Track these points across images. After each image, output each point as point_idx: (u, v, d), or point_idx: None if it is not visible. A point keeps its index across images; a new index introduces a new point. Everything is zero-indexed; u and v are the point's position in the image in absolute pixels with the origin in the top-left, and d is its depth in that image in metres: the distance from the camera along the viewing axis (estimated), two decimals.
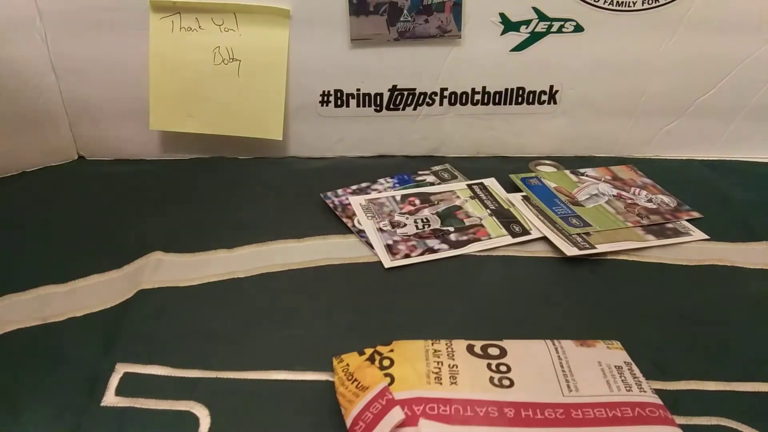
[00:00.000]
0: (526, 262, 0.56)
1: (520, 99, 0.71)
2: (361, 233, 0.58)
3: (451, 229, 0.59)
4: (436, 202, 0.63)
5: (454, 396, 0.38)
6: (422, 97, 0.71)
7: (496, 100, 0.71)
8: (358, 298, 0.51)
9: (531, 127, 0.73)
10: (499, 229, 0.59)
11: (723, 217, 0.62)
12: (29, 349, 0.45)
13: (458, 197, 0.64)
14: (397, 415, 0.35)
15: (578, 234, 0.58)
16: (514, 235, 0.58)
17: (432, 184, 0.68)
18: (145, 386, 0.42)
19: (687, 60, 0.68)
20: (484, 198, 0.64)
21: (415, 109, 0.72)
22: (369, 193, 0.65)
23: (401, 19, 0.66)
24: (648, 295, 0.51)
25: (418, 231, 0.59)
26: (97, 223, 0.61)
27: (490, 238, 0.58)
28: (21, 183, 0.69)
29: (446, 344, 0.42)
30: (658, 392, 0.39)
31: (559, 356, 0.42)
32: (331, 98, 0.71)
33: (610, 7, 0.66)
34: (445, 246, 0.56)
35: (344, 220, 0.61)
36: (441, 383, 0.39)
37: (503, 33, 0.67)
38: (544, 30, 0.67)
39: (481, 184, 0.67)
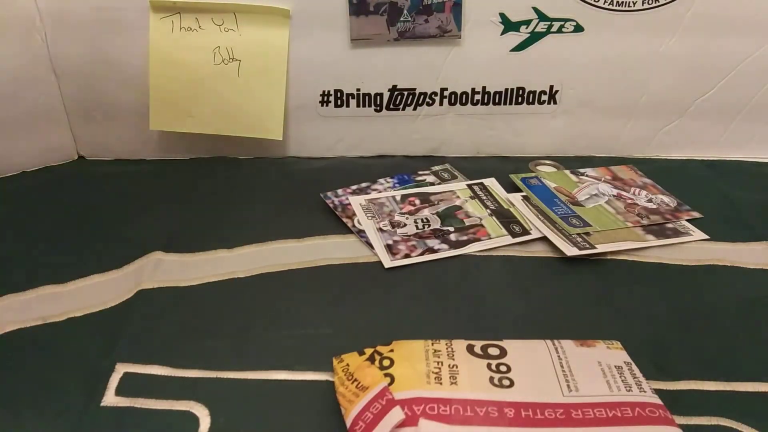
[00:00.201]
0: (526, 262, 0.56)
1: (520, 99, 0.71)
2: (361, 233, 0.58)
3: (451, 229, 0.59)
4: (436, 202, 0.63)
5: (454, 396, 0.38)
6: (422, 97, 0.71)
7: (496, 100, 0.71)
8: (358, 298, 0.51)
9: (531, 127, 0.73)
10: (499, 229, 0.59)
11: (723, 217, 0.62)
12: (29, 349, 0.45)
13: (458, 197, 0.64)
14: (397, 415, 0.35)
15: (578, 234, 0.58)
16: (514, 235, 0.58)
17: (432, 184, 0.68)
18: (145, 386, 0.42)
19: (687, 60, 0.68)
20: (484, 198, 0.64)
21: (415, 109, 0.72)
22: (369, 193, 0.65)
23: (401, 19, 0.66)
24: (648, 295, 0.51)
25: (418, 231, 0.59)
26: (97, 223, 0.61)
27: (490, 238, 0.58)
28: (21, 183, 0.69)
29: (446, 344, 0.42)
30: (658, 392, 0.39)
31: (559, 356, 0.42)
32: (331, 98, 0.71)
33: (610, 7, 0.66)
34: (445, 246, 0.56)
35: (344, 220, 0.61)
36: (441, 383, 0.39)
37: (503, 33, 0.67)
38: (544, 30, 0.67)
39: (481, 184, 0.67)
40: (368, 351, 0.42)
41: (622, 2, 0.65)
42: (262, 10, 0.66)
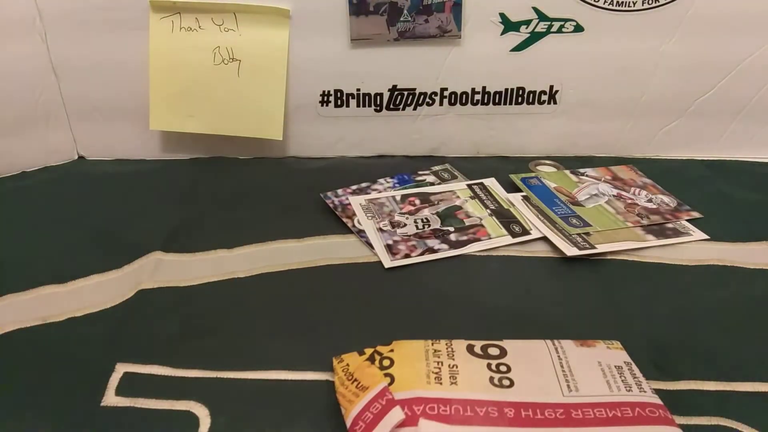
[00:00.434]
0: (526, 262, 0.56)
1: (520, 99, 0.71)
2: (361, 233, 0.58)
3: (451, 229, 0.59)
4: (436, 202, 0.63)
5: (454, 396, 0.38)
6: (422, 97, 0.71)
7: (496, 100, 0.71)
8: (358, 298, 0.51)
9: (531, 127, 0.73)
10: (499, 229, 0.59)
11: (723, 217, 0.62)
12: (29, 349, 0.45)
13: (458, 197, 0.64)
14: (397, 415, 0.35)
15: (578, 234, 0.58)
16: (514, 235, 0.58)
17: (432, 184, 0.68)
18: (145, 386, 0.42)
19: (687, 60, 0.68)
20: (484, 198, 0.64)
21: (415, 109, 0.72)
22: (369, 193, 0.65)
23: (401, 19, 0.66)
24: (648, 295, 0.51)
25: (418, 231, 0.59)
26: (97, 223, 0.61)
27: (490, 238, 0.58)
28: (21, 183, 0.69)
29: (446, 344, 0.42)
30: (658, 392, 0.39)
31: (559, 356, 0.42)
32: (331, 98, 0.71)
33: (610, 7, 0.66)
34: (445, 246, 0.56)
35: (344, 220, 0.61)
36: (441, 383, 0.39)
37: (503, 33, 0.67)
38: (544, 30, 0.67)
39: (481, 184, 0.67)
40: (368, 351, 0.42)
41: (622, 2, 0.65)
42: (262, 10, 0.66)
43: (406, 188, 0.67)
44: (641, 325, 0.48)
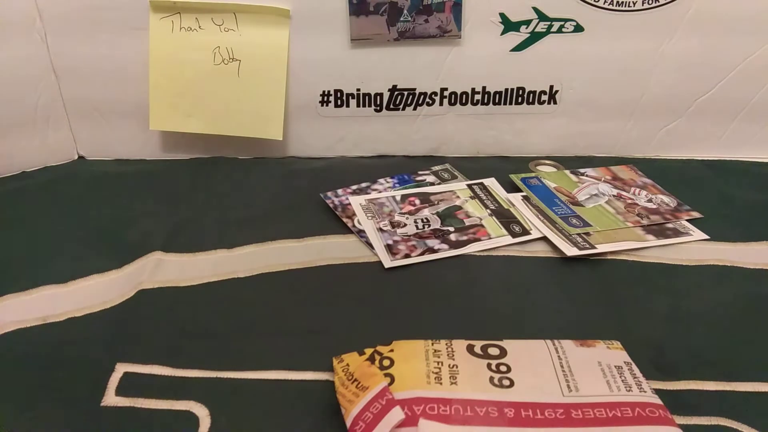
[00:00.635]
0: (526, 262, 0.56)
1: (520, 99, 0.71)
2: (361, 233, 0.58)
3: (451, 229, 0.59)
4: (436, 202, 0.63)
5: (454, 396, 0.38)
6: (422, 97, 0.71)
7: (496, 100, 0.71)
8: (358, 298, 0.51)
9: (531, 127, 0.73)
10: (499, 229, 0.59)
11: (723, 217, 0.62)
12: (29, 349, 0.45)
13: (458, 197, 0.64)
14: (397, 415, 0.35)
15: (578, 234, 0.58)
16: (514, 235, 0.58)
17: (432, 184, 0.68)
18: (145, 386, 0.42)
19: (687, 60, 0.68)
20: (484, 198, 0.64)
21: (415, 109, 0.72)
22: (369, 193, 0.66)
23: (401, 19, 0.66)
24: (648, 295, 0.51)
25: (418, 231, 0.59)
26: (97, 223, 0.61)
27: (490, 238, 0.58)
28: (21, 183, 0.69)
29: (446, 344, 0.42)
30: (658, 392, 0.39)
31: (559, 356, 0.42)
32: (331, 98, 0.71)
33: (610, 7, 0.66)
34: (445, 246, 0.56)
35: (344, 220, 0.61)
36: (441, 383, 0.39)
37: (503, 33, 0.67)
38: (544, 30, 0.67)
39: (481, 184, 0.67)
40: (368, 351, 0.42)
41: (622, 2, 0.65)
42: (262, 10, 0.66)
43: (406, 188, 0.67)
44: (641, 325, 0.48)
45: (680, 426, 0.37)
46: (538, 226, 0.59)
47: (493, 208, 0.63)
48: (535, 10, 0.66)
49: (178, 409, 0.40)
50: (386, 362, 0.41)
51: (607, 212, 0.62)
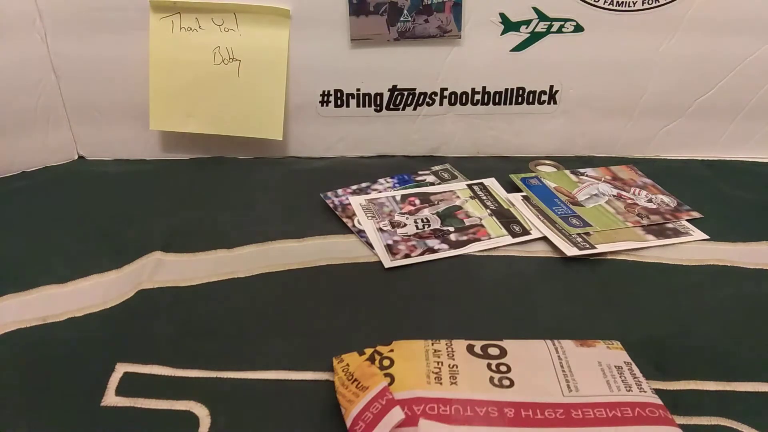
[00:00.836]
0: (526, 262, 0.56)
1: (520, 99, 0.71)
2: (361, 233, 0.58)
3: (451, 229, 0.59)
4: (436, 202, 0.63)
5: (454, 396, 0.38)
6: (422, 97, 0.71)
7: (496, 100, 0.71)
8: (358, 298, 0.51)
9: (531, 127, 0.73)
10: (499, 229, 0.59)
11: (723, 217, 0.62)
12: (29, 349, 0.45)
13: (458, 197, 0.64)
14: (397, 415, 0.35)
15: (578, 234, 0.58)
16: (514, 235, 0.58)
17: (432, 184, 0.68)
18: (145, 386, 0.42)
19: (687, 60, 0.68)
20: (484, 198, 0.64)
21: (415, 109, 0.72)
22: (369, 193, 0.66)
23: (401, 19, 0.66)
24: (648, 295, 0.51)
25: (418, 231, 0.59)
26: (97, 223, 0.61)
27: (490, 238, 0.58)
28: (21, 183, 0.69)
29: (446, 344, 0.42)
30: (658, 392, 0.39)
31: (559, 356, 0.42)
32: (331, 98, 0.71)
33: (610, 7, 0.66)
34: (445, 246, 0.56)
35: (344, 220, 0.61)
36: (441, 383, 0.39)
37: (503, 33, 0.67)
38: (544, 30, 0.67)
39: (481, 184, 0.67)
40: (368, 351, 0.42)
41: (622, 2, 0.65)
42: (262, 10, 0.66)
43: (406, 188, 0.67)
44: (641, 325, 0.48)
45: (680, 426, 0.37)
46: (538, 226, 0.59)
47: (493, 208, 0.63)
48: (535, 10, 0.66)
49: (178, 409, 0.40)
50: (386, 362, 0.41)
51: (607, 212, 0.62)
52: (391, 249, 0.56)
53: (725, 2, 0.65)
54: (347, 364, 0.41)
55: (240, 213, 0.62)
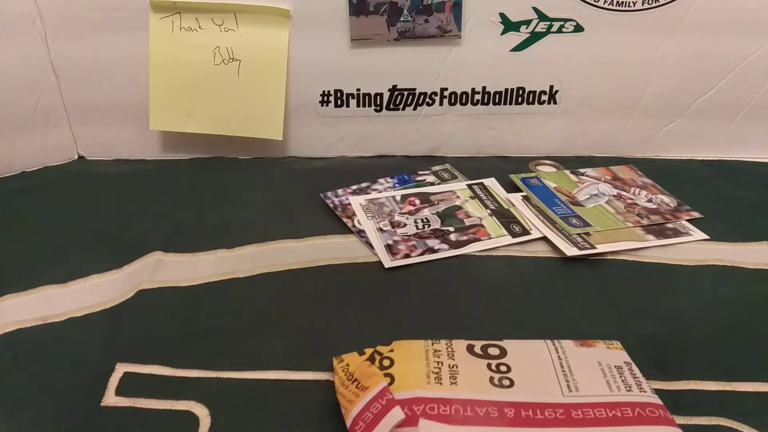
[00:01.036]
0: (526, 262, 0.56)
1: (520, 99, 0.71)
2: (361, 233, 0.58)
3: (451, 229, 0.59)
4: (436, 202, 0.63)
5: (454, 396, 0.38)
6: (422, 97, 0.71)
7: (496, 100, 0.71)
8: (358, 298, 0.51)
9: (531, 127, 0.73)
10: (499, 229, 0.59)
11: (723, 217, 0.62)
12: (29, 349, 0.45)
13: (458, 197, 0.64)
14: (397, 415, 0.35)
15: (578, 234, 0.58)
16: (514, 235, 0.58)
17: (432, 184, 0.68)
18: (145, 386, 0.42)
19: (687, 60, 0.68)
20: (484, 198, 0.64)
21: (415, 109, 0.72)
22: (369, 193, 0.66)
23: (401, 19, 0.66)
24: (648, 295, 0.51)
25: (418, 231, 0.59)
26: (97, 223, 0.61)
27: (490, 238, 0.58)
28: (21, 183, 0.69)
29: (446, 344, 0.42)
30: (658, 392, 0.39)
31: (559, 356, 0.42)
32: (331, 98, 0.71)
33: (610, 7, 0.66)
34: (445, 246, 0.56)
35: (344, 220, 0.61)
36: (441, 383, 0.39)
37: (503, 33, 0.67)
38: (544, 30, 0.67)
39: (481, 184, 0.67)
40: (368, 351, 0.42)
41: (622, 2, 0.65)
42: (262, 10, 0.66)
43: (406, 188, 0.67)
44: (641, 325, 0.48)
45: (680, 426, 0.37)
46: (538, 226, 0.59)
47: (493, 208, 0.63)
48: (535, 10, 0.66)
49: (178, 409, 0.40)
50: (386, 362, 0.41)
51: (607, 212, 0.62)
52: (391, 249, 0.56)
53: (725, 2, 0.65)
54: (347, 364, 0.41)
55: (240, 213, 0.62)
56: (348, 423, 0.37)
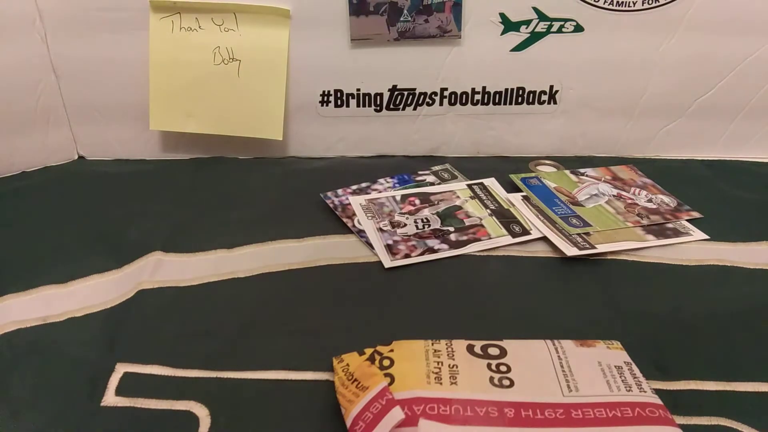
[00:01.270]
0: (526, 262, 0.56)
1: (520, 99, 0.71)
2: (361, 233, 0.58)
3: (451, 229, 0.59)
4: (436, 202, 0.63)
5: (454, 396, 0.38)
6: (422, 97, 0.71)
7: (496, 100, 0.71)
8: (358, 298, 0.51)
9: (531, 127, 0.73)
10: (499, 229, 0.59)
11: (723, 217, 0.62)
12: (29, 349, 0.45)
13: (458, 197, 0.64)
14: (397, 415, 0.35)
15: (578, 234, 0.58)
16: (514, 235, 0.58)
17: (432, 184, 0.68)
18: (145, 386, 0.42)
19: (687, 60, 0.68)
20: (484, 198, 0.64)
21: (415, 109, 0.72)
22: (369, 193, 0.66)
23: (401, 19, 0.66)
24: (648, 295, 0.51)
25: (418, 231, 0.59)
26: (98, 223, 0.61)
27: (490, 238, 0.58)
28: (21, 183, 0.69)
29: (446, 344, 0.42)
30: (658, 392, 0.39)
31: (559, 356, 0.42)
32: (331, 98, 0.71)
33: (610, 7, 0.66)
34: (445, 246, 0.56)
35: (344, 220, 0.61)
36: (441, 383, 0.39)
37: (503, 33, 0.67)
38: (544, 30, 0.67)
39: (481, 184, 0.67)
40: (368, 351, 0.42)
41: (622, 2, 0.65)
42: (262, 10, 0.66)
43: (406, 188, 0.67)
44: (641, 325, 0.48)
45: (680, 426, 0.37)
46: (538, 226, 0.59)
47: (493, 208, 0.63)
48: (535, 10, 0.66)
49: (178, 409, 0.40)
50: (386, 362, 0.41)
51: (607, 212, 0.62)
52: (391, 249, 0.56)
53: (725, 2, 0.65)
54: (347, 364, 0.41)
55: (240, 213, 0.62)
56: (348, 423, 0.37)
